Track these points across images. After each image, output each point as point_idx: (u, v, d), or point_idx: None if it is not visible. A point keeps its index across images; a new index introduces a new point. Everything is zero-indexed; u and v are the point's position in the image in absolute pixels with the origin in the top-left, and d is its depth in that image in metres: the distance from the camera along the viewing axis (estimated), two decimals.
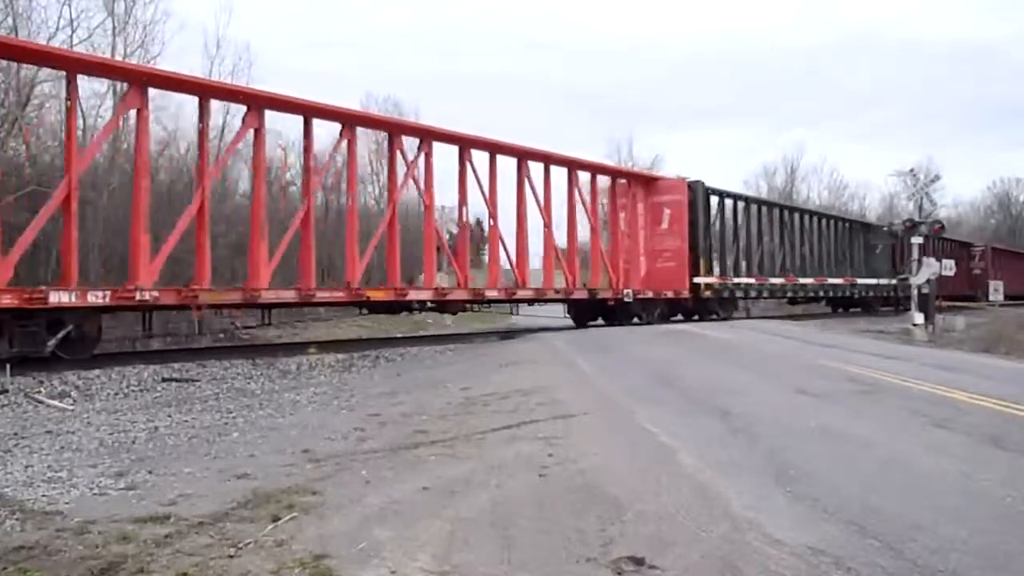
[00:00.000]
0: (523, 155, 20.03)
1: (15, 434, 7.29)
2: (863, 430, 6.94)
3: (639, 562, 3.74)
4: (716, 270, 25.26)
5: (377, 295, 16.67)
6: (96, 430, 7.54)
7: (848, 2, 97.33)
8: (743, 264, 26.76)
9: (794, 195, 59.39)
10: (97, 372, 11.04)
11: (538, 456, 5.94)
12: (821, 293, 32.30)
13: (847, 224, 36.33)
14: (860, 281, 33.63)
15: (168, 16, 28.82)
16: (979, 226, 69.51)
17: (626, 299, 22.17)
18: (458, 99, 74.76)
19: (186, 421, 8.09)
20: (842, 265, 33.11)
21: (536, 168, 20.41)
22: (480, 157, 18.89)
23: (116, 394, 10.06)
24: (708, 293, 24.42)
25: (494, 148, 19.37)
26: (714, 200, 25.81)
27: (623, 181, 24.25)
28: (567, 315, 24.44)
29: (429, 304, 18.16)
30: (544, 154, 20.85)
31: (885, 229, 33.55)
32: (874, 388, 9.63)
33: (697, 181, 24.97)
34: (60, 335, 11.61)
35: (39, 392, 9.68)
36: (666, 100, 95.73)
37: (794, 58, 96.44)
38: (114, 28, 24.57)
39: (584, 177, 22.75)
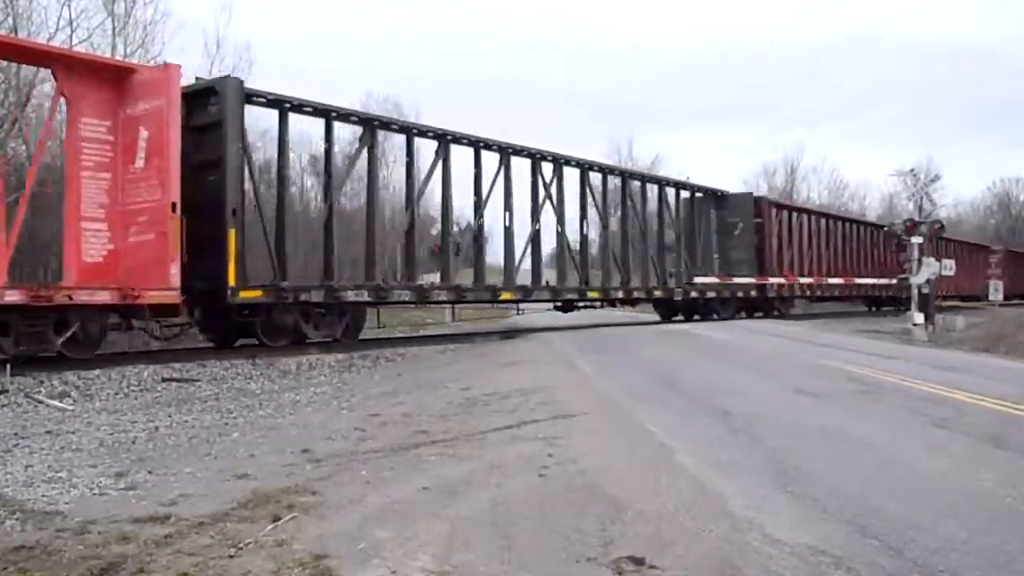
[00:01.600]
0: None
1: (15, 434, 7.29)
2: (863, 430, 6.94)
3: (639, 562, 3.74)
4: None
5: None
6: (96, 430, 7.54)
7: (848, 2, 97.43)
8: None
9: (794, 195, 59.39)
10: (97, 372, 11.03)
11: (538, 456, 5.94)
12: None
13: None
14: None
15: (168, 16, 28.76)
16: (979, 226, 69.55)
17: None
18: (458, 99, 74.84)
19: (186, 421, 8.09)
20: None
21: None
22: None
23: (116, 394, 10.06)
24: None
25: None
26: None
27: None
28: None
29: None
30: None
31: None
32: (874, 388, 9.64)
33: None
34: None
35: (39, 392, 9.67)
36: (666, 100, 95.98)
37: (794, 58, 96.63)
38: (114, 28, 24.56)
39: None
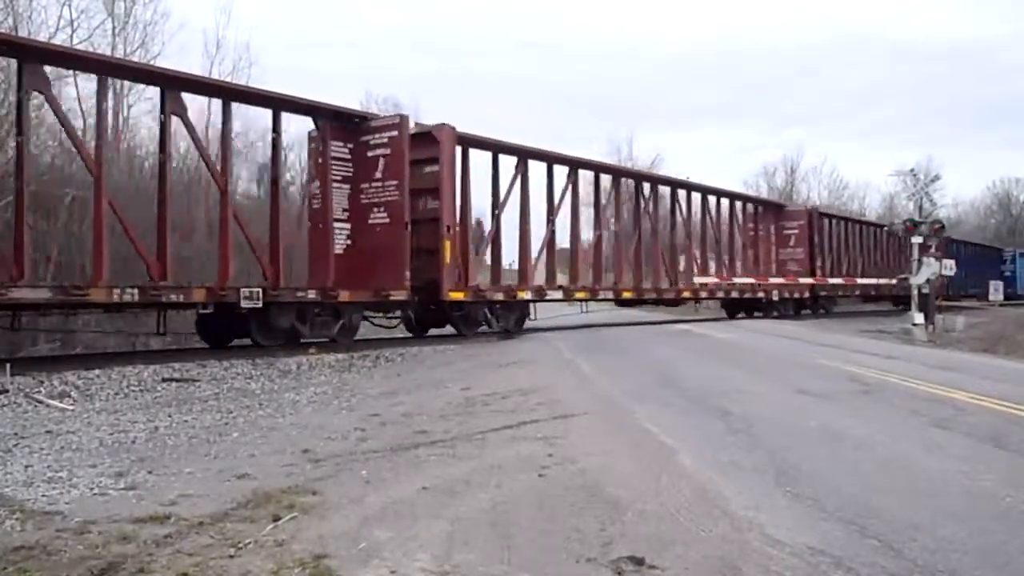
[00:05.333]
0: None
1: (15, 434, 7.28)
2: (863, 430, 6.94)
3: (639, 562, 3.74)
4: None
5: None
6: (96, 430, 7.54)
7: (848, 1, 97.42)
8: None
9: (794, 195, 59.36)
10: (97, 372, 11.04)
11: (538, 456, 5.94)
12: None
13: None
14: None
15: (168, 16, 28.77)
16: (979, 226, 69.48)
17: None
18: (458, 99, 74.76)
19: (186, 421, 8.09)
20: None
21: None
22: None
23: (116, 394, 10.05)
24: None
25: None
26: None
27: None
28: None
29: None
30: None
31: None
32: (874, 388, 9.64)
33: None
34: None
35: (39, 392, 9.67)
36: (666, 99, 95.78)
37: (794, 57, 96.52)
38: (114, 28, 24.60)
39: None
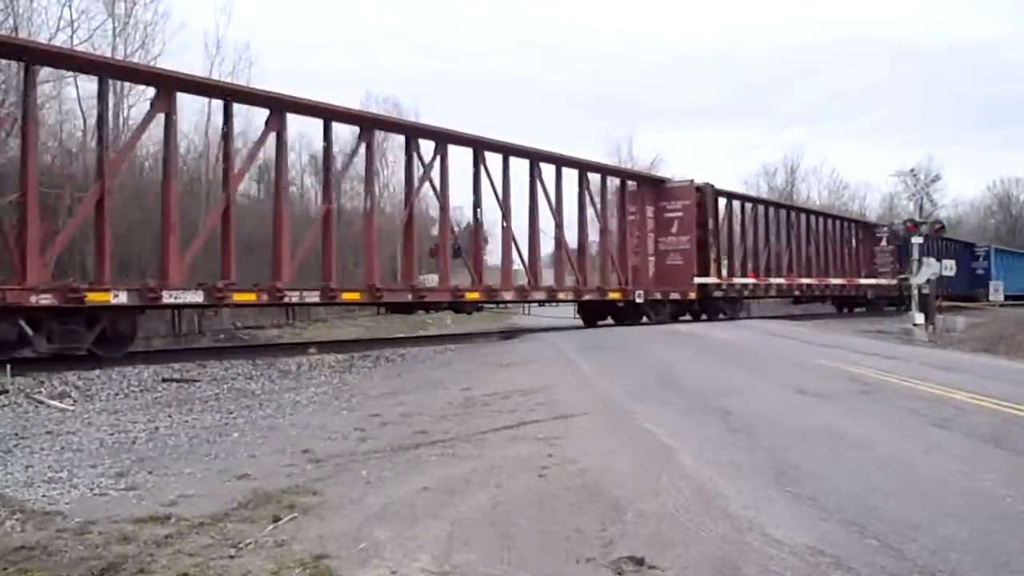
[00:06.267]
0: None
1: (15, 434, 7.29)
2: (863, 430, 6.94)
3: (639, 562, 3.74)
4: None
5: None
6: (96, 430, 7.54)
7: (848, 1, 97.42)
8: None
9: (794, 195, 59.35)
10: (97, 372, 11.04)
11: (538, 456, 5.94)
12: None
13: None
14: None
15: (168, 16, 28.82)
16: (979, 226, 69.46)
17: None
18: (458, 99, 74.84)
19: (186, 421, 8.09)
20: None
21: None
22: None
23: (116, 394, 10.06)
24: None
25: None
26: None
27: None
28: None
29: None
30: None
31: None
32: (874, 388, 9.64)
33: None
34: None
35: (39, 392, 9.68)
36: (666, 99, 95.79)
37: (794, 57, 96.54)
38: (114, 29, 24.62)
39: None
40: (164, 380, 11.13)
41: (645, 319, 23.27)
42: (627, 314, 22.96)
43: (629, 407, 8.28)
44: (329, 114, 15.92)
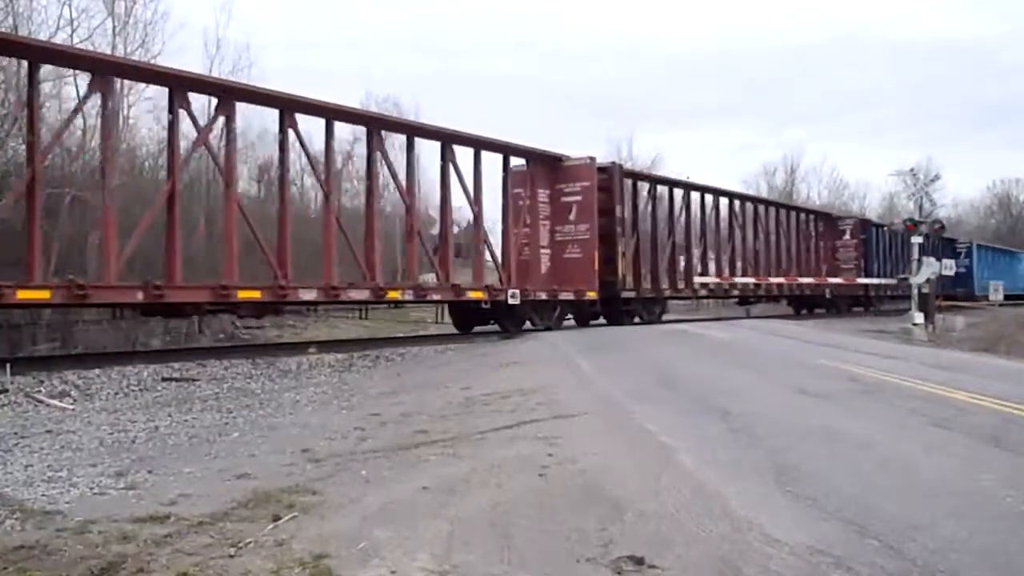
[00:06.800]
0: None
1: (15, 434, 7.29)
2: (863, 430, 6.94)
3: (639, 562, 3.74)
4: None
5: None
6: (96, 430, 7.54)
7: (848, 1, 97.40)
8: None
9: (794, 195, 59.35)
10: (97, 372, 11.04)
11: (538, 456, 5.94)
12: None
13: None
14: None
15: (168, 16, 28.75)
16: (979, 226, 69.46)
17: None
18: (458, 99, 74.79)
19: (186, 421, 8.09)
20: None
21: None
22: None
23: (116, 394, 10.06)
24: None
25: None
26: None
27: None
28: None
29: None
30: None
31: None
32: (874, 388, 9.64)
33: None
34: None
35: (39, 392, 9.68)
36: (666, 99, 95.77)
37: (794, 57, 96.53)
38: (114, 28, 24.55)
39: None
40: (164, 379, 11.13)
41: (529, 324, 19.42)
42: (502, 318, 18.89)
43: (629, 407, 8.28)
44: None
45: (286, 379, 11.77)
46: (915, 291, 22.56)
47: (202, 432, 7.44)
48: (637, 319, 22.38)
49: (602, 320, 22.52)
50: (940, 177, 63.18)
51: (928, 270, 22.73)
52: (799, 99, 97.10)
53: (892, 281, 33.22)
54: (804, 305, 33.02)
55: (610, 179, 21.24)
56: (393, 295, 17.04)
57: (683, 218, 25.13)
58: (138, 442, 6.98)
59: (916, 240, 23.60)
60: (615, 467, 5.62)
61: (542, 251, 20.34)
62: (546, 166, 20.49)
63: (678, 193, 25.27)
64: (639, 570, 3.68)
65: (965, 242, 42.94)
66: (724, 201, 27.77)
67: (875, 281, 33.38)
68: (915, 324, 21.25)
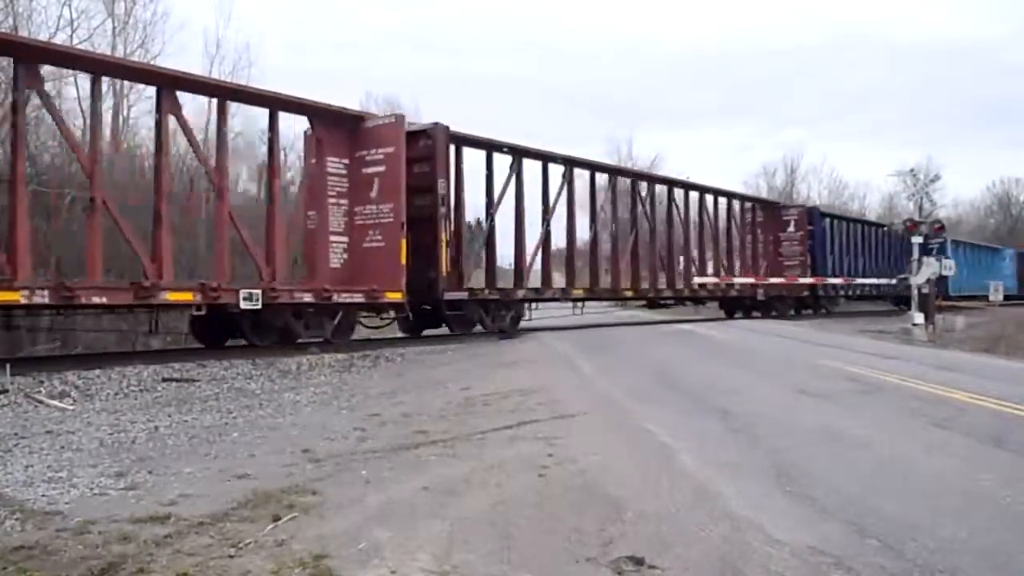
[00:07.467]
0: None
1: (15, 434, 7.28)
2: (863, 430, 6.94)
3: (639, 562, 3.74)
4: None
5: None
6: (96, 430, 7.54)
7: (848, 1, 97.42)
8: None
9: (794, 195, 59.30)
10: (97, 372, 11.03)
11: (538, 456, 5.94)
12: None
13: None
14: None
15: (168, 16, 28.82)
16: (979, 226, 69.49)
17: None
18: (458, 99, 74.73)
19: (186, 421, 8.08)
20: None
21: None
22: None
23: (116, 394, 10.05)
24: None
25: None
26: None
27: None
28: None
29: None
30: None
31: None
32: (874, 388, 9.64)
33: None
34: None
35: (39, 392, 9.67)
36: (666, 99, 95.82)
37: (793, 57, 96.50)
38: (114, 28, 24.58)
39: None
40: (164, 380, 11.12)
41: (316, 339, 14.57)
42: (248, 328, 13.97)
43: (629, 407, 8.28)
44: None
45: (286, 379, 11.76)
46: (915, 291, 22.56)
47: (202, 432, 7.43)
48: (479, 327, 17.92)
49: (602, 321, 22.58)
50: (940, 177, 63.33)
51: (928, 270, 22.72)
52: (799, 99, 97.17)
53: (839, 281, 30.24)
54: (739, 308, 28.17)
55: (432, 146, 16.16)
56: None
57: (565, 200, 20.07)
58: (138, 442, 6.98)
59: (916, 240, 23.59)
60: (615, 467, 5.62)
61: (333, 238, 15.20)
62: (342, 128, 15.42)
63: (556, 172, 19.96)
64: (639, 570, 3.68)
65: (938, 238, 41.39)
66: (624, 181, 23.17)
67: (826, 281, 29.34)
68: (915, 324, 21.24)
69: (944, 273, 24.98)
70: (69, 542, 4.07)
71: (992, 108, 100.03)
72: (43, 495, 5.08)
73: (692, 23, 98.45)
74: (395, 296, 15.30)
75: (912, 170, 58.35)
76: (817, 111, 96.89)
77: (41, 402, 9.18)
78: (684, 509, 4.55)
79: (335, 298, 14.68)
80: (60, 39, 22.18)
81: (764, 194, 50.01)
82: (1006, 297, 37.89)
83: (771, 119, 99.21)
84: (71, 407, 8.98)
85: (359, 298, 15.08)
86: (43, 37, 21.65)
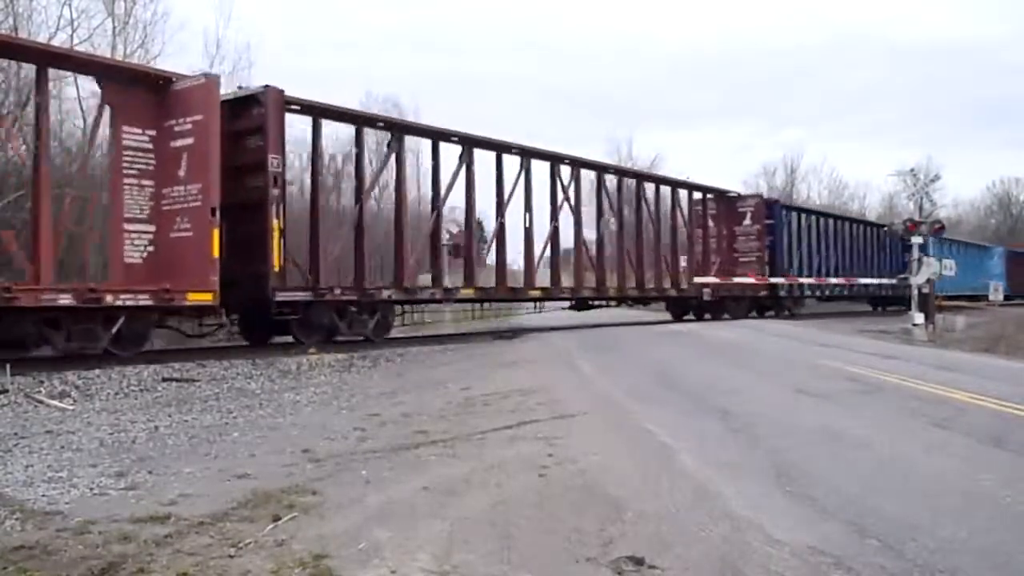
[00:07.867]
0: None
1: (15, 434, 7.28)
2: (863, 430, 6.94)
3: (639, 562, 3.74)
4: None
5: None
6: (96, 430, 7.54)
7: (848, 1, 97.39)
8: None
9: (794, 195, 59.31)
10: (97, 372, 11.03)
11: (538, 456, 5.94)
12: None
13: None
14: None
15: (168, 16, 28.76)
16: (979, 226, 69.49)
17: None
18: (458, 99, 74.79)
19: (186, 421, 8.08)
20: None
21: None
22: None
23: (116, 394, 10.05)
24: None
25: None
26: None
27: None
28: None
29: None
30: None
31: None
32: (874, 388, 9.64)
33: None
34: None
35: (39, 392, 9.67)
36: (665, 99, 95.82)
37: (793, 57, 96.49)
38: (114, 28, 24.56)
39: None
40: (164, 380, 11.12)
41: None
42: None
43: (629, 407, 8.28)
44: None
45: (286, 379, 11.76)
46: (915, 291, 22.57)
47: (202, 432, 7.43)
48: (339, 336, 15.63)
49: (608, 320, 22.60)
50: (940, 177, 63.30)
51: (928, 270, 22.73)
52: (799, 99, 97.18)
53: (809, 280, 28.48)
54: (684, 309, 26.35)
55: (263, 115, 13.59)
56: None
57: (464, 185, 17.91)
58: (138, 442, 6.98)
59: (916, 240, 23.60)
60: (615, 467, 5.62)
61: (130, 227, 12.36)
62: (144, 91, 12.61)
63: (450, 153, 17.71)
64: (639, 570, 3.68)
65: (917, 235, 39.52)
66: (544, 166, 19.88)
67: (787, 280, 27.26)
68: (915, 324, 21.25)
69: (945, 273, 24.98)
70: (69, 542, 4.07)
71: (992, 108, 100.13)
72: (43, 495, 5.08)
73: (692, 23, 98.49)
74: (201, 297, 12.25)
75: (912, 170, 58.36)
76: (817, 111, 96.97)
77: (41, 402, 9.18)
78: (684, 509, 4.55)
79: (108, 300, 11.50)
80: (60, 39, 22.19)
81: (765, 194, 49.65)
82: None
83: (771, 119, 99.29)
84: (71, 407, 8.98)
85: (145, 300, 11.93)
86: (43, 37, 21.68)
